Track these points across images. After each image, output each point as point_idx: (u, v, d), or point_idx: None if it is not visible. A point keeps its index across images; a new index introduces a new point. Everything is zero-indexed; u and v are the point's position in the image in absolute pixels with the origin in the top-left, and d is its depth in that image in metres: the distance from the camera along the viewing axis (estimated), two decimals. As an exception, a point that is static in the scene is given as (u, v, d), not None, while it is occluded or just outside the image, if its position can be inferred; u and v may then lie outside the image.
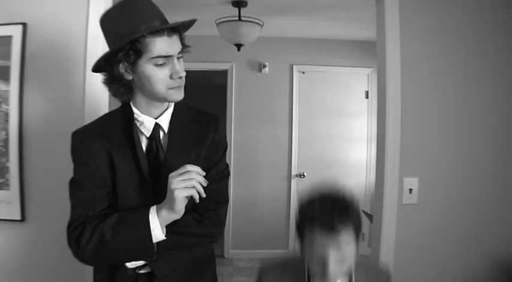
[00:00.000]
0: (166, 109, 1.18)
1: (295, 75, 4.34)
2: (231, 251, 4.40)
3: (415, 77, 1.92)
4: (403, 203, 1.92)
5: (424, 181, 1.94)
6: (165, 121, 1.17)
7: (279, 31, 3.99)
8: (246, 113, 4.31)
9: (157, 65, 1.06)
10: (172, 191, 1.02)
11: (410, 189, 1.92)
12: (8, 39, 1.68)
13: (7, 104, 1.69)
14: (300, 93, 4.35)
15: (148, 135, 1.15)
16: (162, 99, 1.13)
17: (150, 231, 1.04)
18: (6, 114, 1.69)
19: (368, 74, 4.42)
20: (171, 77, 1.08)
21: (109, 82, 1.13)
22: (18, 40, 1.68)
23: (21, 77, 1.68)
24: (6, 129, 1.69)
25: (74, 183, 1.15)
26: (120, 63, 1.06)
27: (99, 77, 1.80)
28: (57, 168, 1.73)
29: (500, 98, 1.98)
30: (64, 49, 1.72)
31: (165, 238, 1.07)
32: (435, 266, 1.97)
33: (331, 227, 1.01)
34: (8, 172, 1.69)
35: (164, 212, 1.05)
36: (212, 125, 1.21)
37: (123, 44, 1.03)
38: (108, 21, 1.09)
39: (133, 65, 1.07)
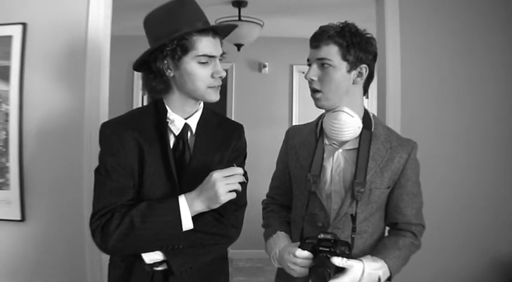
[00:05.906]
0: (196, 111, 1.22)
1: (295, 75, 4.33)
2: (230, 250, 4.35)
3: (415, 77, 1.92)
4: (403, 202, 1.91)
5: (424, 181, 1.94)
6: (193, 122, 1.21)
7: (279, 31, 3.99)
8: (246, 113, 4.30)
9: (200, 63, 1.12)
10: (218, 196, 1.06)
11: (410, 189, 1.91)
12: (8, 39, 1.68)
13: (7, 104, 1.69)
14: (300, 93, 4.33)
15: (177, 134, 1.18)
16: (200, 97, 1.17)
17: (180, 217, 1.07)
18: (6, 114, 1.69)
19: (368, 74, 4.42)
20: (212, 76, 1.14)
21: (150, 78, 1.17)
22: (18, 40, 1.68)
23: (21, 77, 1.68)
24: (6, 129, 1.69)
25: (101, 173, 1.14)
26: (165, 59, 1.11)
27: (98, 77, 1.80)
28: (57, 168, 1.74)
29: (502, 98, 1.98)
30: (64, 49, 1.72)
31: (192, 227, 1.10)
32: (435, 266, 1.97)
33: (313, 43, 1.23)
34: (8, 172, 1.69)
35: (199, 204, 1.09)
36: (236, 132, 1.28)
37: (170, 40, 1.09)
38: (155, 20, 1.15)
39: (178, 61, 1.12)
